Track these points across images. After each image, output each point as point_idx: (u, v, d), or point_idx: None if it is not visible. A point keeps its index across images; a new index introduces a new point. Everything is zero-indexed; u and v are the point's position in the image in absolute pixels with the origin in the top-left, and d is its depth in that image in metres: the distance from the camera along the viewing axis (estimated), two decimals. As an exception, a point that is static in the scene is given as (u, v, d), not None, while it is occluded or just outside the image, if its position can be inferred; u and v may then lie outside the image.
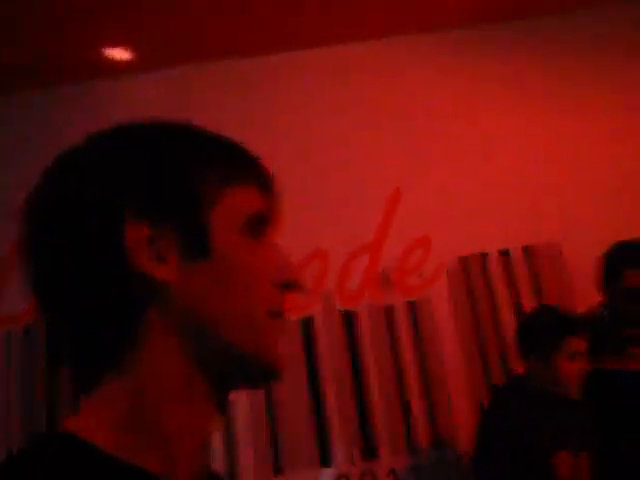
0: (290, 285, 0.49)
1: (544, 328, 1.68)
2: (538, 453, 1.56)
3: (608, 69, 2.57)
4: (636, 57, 2.57)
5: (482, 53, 2.60)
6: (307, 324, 2.36)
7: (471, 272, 2.43)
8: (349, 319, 2.39)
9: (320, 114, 2.55)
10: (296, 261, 0.83)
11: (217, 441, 2.20)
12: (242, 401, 2.27)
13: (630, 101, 2.55)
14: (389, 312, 2.40)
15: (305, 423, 2.28)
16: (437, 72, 2.60)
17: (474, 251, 2.43)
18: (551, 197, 2.47)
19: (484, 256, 2.43)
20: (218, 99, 2.46)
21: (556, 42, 2.59)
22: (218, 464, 2.14)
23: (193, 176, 0.46)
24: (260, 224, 0.48)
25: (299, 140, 2.51)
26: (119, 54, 2.44)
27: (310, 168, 2.46)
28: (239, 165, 0.49)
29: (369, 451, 2.25)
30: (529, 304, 2.32)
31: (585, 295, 2.05)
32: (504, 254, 2.43)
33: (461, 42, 2.60)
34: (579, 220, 2.42)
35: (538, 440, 1.56)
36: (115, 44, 2.39)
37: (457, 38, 2.59)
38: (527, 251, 2.43)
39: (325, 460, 2.26)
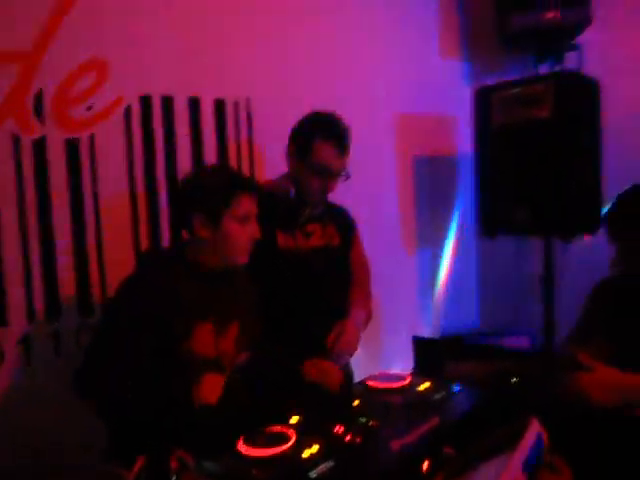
0: None
1: (213, 185, 1.44)
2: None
3: None
4: None
5: None
6: None
7: (151, 114, 2.05)
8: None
9: None
10: None
11: None
12: None
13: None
14: (40, 148, 1.85)
15: None
16: None
17: (160, 92, 2.05)
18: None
19: (169, 99, 2.07)
20: None
21: None
22: None
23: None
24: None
25: None
26: None
27: None
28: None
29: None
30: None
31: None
32: (193, 102, 2.12)
33: None
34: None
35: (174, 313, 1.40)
36: None
37: None
38: (217, 103, 2.18)
39: None
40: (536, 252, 2.62)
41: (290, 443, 1.18)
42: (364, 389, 1.55)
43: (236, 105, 2.24)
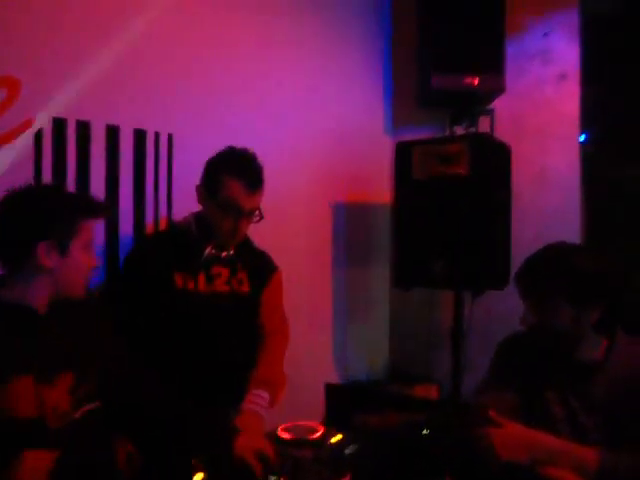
0: None
1: (59, 209, 1.26)
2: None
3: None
4: None
5: None
6: None
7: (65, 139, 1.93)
8: None
9: None
10: None
11: None
12: None
13: None
14: None
15: None
16: None
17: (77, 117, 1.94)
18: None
19: (85, 125, 1.96)
20: None
21: None
22: None
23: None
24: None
25: None
26: None
27: None
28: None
29: None
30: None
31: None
32: (111, 130, 2.03)
33: None
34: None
35: None
36: None
37: None
38: (137, 133, 2.10)
39: None
40: (447, 304, 2.70)
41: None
42: (274, 441, 1.48)
43: (157, 137, 2.17)
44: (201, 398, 1.58)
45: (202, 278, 1.70)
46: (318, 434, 1.51)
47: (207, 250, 1.71)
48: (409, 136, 2.81)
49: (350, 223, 3.03)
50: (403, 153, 2.53)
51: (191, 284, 1.68)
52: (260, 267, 1.85)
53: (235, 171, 1.64)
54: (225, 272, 1.74)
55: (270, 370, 1.75)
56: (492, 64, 2.56)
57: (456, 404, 2.28)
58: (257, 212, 1.69)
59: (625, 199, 3.00)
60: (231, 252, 1.77)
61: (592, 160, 2.89)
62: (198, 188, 1.73)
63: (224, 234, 1.68)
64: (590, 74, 2.84)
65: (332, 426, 1.58)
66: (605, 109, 2.98)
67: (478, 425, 1.33)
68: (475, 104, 2.78)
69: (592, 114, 2.86)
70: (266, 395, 1.68)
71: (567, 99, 2.83)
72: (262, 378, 1.70)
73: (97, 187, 1.99)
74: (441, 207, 2.39)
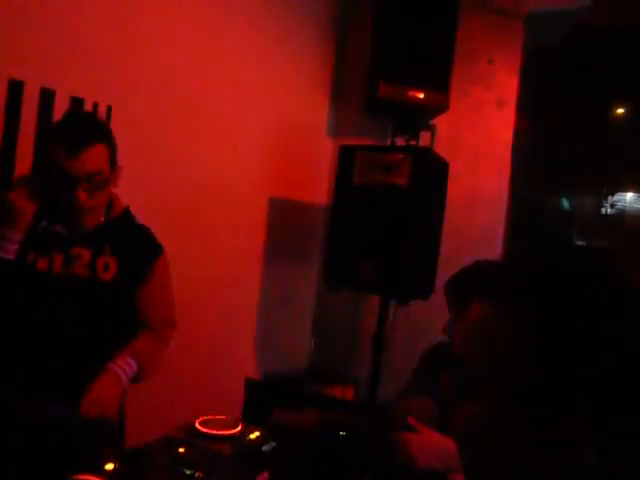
0: None
1: None
2: None
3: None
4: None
5: None
6: None
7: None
8: None
9: None
10: None
11: None
12: None
13: None
14: None
15: None
16: None
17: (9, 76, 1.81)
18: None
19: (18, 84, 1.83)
20: None
21: None
22: None
23: None
24: None
25: None
26: None
27: None
28: None
29: None
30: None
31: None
32: (46, 94, 1.90)
33: None
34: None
35: None
36: None
37: None
38: (74, 101, 1.98)
39: None
40: (372, 308, 2.75)
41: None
42: (193, 433, 1.44)
43: (95, 107, 2.06)
44: (45, 393, 1.50)
45: (58, 258, 1.51)
46: (236, 429, 1.48)
47: (42, 224, 1.51)
48: (351, 140, 2.85)
49: (285, 220, 3.02)
50: (346, 157, 2.55)
51: (44, 264, 1.49)
52: (139, 251, 1.62)
53: (57, 141, 1.45)
54: (86, 254, 1.53)
55: (146, 348, 1.61)
56: (439, 82, 2.64)
57: (375, 407, 2.33)
58: (100, 177, 1.47)
59: (544, 221, 3.20)
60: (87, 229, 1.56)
61: (518, 183, 3.06)
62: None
63: (63, 203, 1.49)
64: (526, 103, 3.00)
65: (251, 421, 1.57)
66: (536, 138, 3.16)
67: (396, 430, 1.36)
68: (418, 117, 2.85)
69: (524, 141, 3.02)
70: (133, 364, 1.56)
71: (503, 124, 2.98)
72: (136, 348, 1.59)
73: (25, 149, 1.86)
74: (377, 214, 2.44)
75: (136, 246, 1.62)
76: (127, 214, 1.65)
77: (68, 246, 1.53)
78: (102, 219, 1.59)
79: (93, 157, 1.45)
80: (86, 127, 1.48)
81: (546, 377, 0.49)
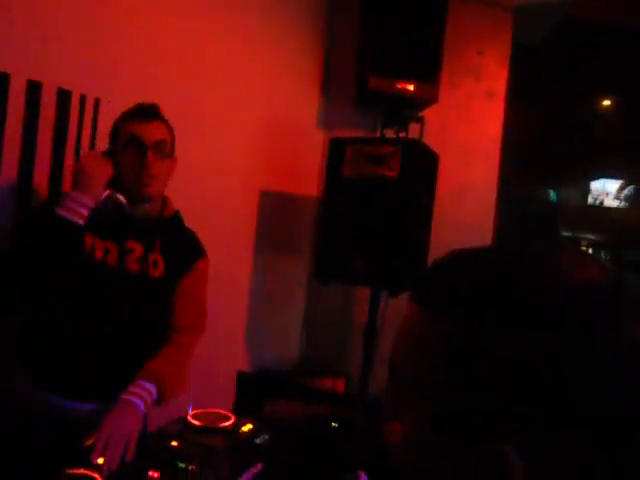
0: None
1: None
2: None
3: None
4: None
5: None
6: None
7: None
8: None
9: None
10: None
11: None
12: None
13: None
14: None
15: None
16: None
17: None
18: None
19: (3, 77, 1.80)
20: None
21: None
22: None
23: None
24: None
25: None
26: None
27: None
28: None
29: None
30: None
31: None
32: (32, 86, 1.88)
33: None
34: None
35: None
36: None
37: None
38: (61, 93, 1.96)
39: None
40: (363, 301, 2.76)
41: (97, 490, 1.04)
42: (185, 426, 1.44)
43: (82, 100, 2.04)
44: (72, 389, 1.50)
45: (114, 250, 1.53)
46: (229, 422, 1.49)
47: (106, 193, 1.51)
48: (341, 133, 2.85)
49: (276, 212, 3.02)
50: (336, 149, 2.55)
51: (100, 254, 1.51)
52: (184, 250, 1.66)
53: (128, 115, 1.58)
54: (139, 249, 1.55)
55: (164, 364, 1.54)
56: (428, 73, 2.64)
57: (366, 399, 2.34)
58: (166, 147, 1.56)
59: (530, 217, 3.22)
60: (145, 204, 1.59)
61: (506, 178, 3.08)
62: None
63: (129, 172, 1.51)
64: (515, 96, 3.01)
65: (243, 414, 1.57)
66: (524, 131, 3.17)
67: (386, 421, 1.37)
68: (407, 109, 2.85)
69: (513, 134, 3.03)
70: (152, 388, 1.48)
71: (492, 117, 2.99)
72: (152, 369, 1.51)
73: (11, 143, 1.83)
74: (367, 206, 2.44)
75: (183, 246, 1.65)
76: (178, 216, 1.69)
77: (123, 237, 1.54)
78: (157, 206, 1.62)
79: (161, 128, 1.57)
80: (153, 106, 1.59)
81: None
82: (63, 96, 1.96)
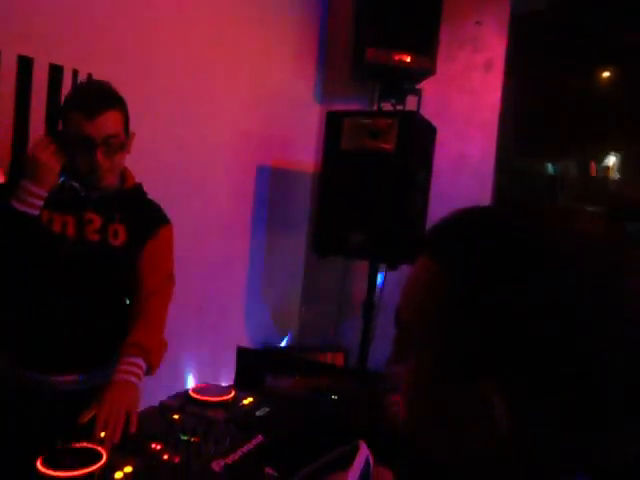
0: None
1: None
2: None
3: None
4: None
5: None
6: None
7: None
8: None
9: None
10: None
11: None
12: None
13: None
14: None
15: None
16: None
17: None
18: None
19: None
20: None
21: None
22: None
23: None
24: None
25: None
26: None
27: None
28: None
29: None
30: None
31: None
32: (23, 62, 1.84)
33: None
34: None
35: None
36: None
37: None
38: (53, 68, 1.93)
39: None
40: (361, 274, 2.77)
41: (100, 463, 1.05)
42: (186, 400, 1.46)
43: (75, 74, 2.01)
44: (51, 363, 1.51)
45: (72, 222, 1.53)
46: (230, 396, 1.50)
47: (61, 179, 1.51)
48: (337, 106, 2.81)
49: (273, 186, 3.01)
50: (334, 122, 2.52)
51: (58, 226, 1.51)
52: (147, 219, 1.64)
53: (76, 105, 1.47)
54: (98, 220, 1.55)
55: (146, 335, 1.55)
56: (425, 45, 2.60)
57: (362, 372, 2.37)
58: (116, 140, 1.49)
59: (529, 190, 3.20)
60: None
61: (504, 150, 3.05)
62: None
63: (81, 167, 1.50)
64: (514, 67, 2.97)
65: (243, 388, 1.59)
66: (523, 103, 3.14)
67: (387, 393, 1.39)
68: (405, 81, 2.82)
69: (511, 106, 3.00)
70: (141, 362, 1.50)
71: (491, 88, 2.95)
72: (136, 342, 1.51)
73: (4, 118, 1.81)
74: (365, 179, 2.43)
75: (145, 216, 1.64)
76: (139, 188, 1.67)
77: (81, 210, 1.53)
78: (115, 184, 1.59)
79: (110, 120, 1.47)
80: (101, 93, 1.50)
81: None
82: (55, 71, 1.93)
